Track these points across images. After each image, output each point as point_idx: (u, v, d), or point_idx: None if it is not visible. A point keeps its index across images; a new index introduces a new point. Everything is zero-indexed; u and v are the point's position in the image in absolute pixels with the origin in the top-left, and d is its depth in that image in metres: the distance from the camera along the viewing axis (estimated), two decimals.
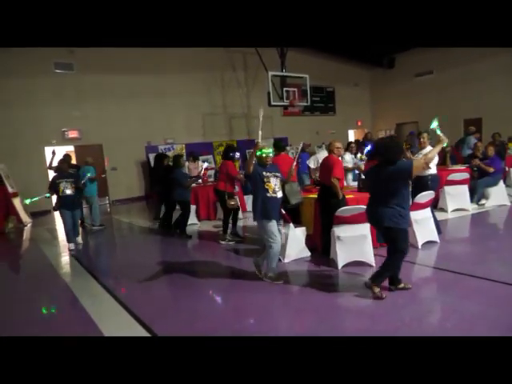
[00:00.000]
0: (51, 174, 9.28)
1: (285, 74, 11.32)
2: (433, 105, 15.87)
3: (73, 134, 11.03)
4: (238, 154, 7.06)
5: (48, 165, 7.78)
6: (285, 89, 11.16)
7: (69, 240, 6.18)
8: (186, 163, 8.76)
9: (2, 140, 9.76)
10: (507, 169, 8.40)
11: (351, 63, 17.14)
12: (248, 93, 14.55)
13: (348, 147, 7.02)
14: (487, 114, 14.30)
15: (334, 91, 17.26)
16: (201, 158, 12.61)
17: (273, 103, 10.95)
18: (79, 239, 6.55)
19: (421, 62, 16.13)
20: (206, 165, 7.87)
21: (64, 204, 5.97)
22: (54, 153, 7.50)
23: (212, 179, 9.73)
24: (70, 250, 6.07)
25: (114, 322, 3.44)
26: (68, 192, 5.91)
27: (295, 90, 11.49)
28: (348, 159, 6.47)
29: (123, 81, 11.57)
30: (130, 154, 11.91)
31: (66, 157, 7.18)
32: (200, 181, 8.41)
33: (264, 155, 4.01)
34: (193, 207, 7.48)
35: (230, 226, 6.08)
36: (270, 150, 4.13)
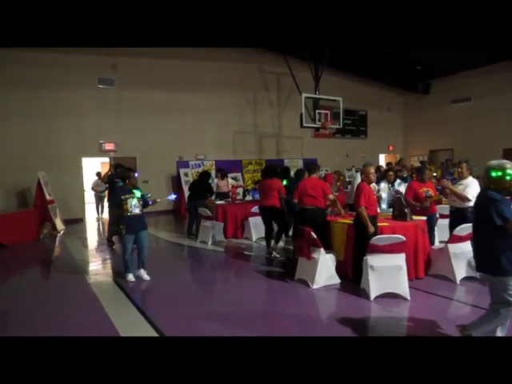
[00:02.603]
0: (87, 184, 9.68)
1: (318, 96, 11.36)
2: (469, 132, 15.41)
3: (109, 146, 11.43)
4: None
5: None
6: (317, 111, 11.17)
7: (127, 269, 5.03)
8: (215, 180, 8.84)
9: (43, 148, 10.24)
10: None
11: (385, 88, 17.03)
12: (279, 113, 14.67)
13: (386, 175, 6.56)
14: None
15: (366, 115, 17.13)
16: (229, 175, 12.80)
17: (305, 125, 10.96)
18: (144, 274, 5.06)
19: (458, 89, 15.79)
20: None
21: (130, 226, 4.85)
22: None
23: (240, 197, 9.77)
24: (129, 282, 4.98)
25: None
26: (137, 211, 4.86)
27: (327, 112, 11.49)
28: (383, 188, 5.99)
29: (159, 96, 11.96)
30: (161, 168, 12.18)
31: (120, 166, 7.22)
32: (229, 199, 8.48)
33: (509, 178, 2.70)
34: (220, 224, 7.51)
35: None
36: None
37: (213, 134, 13.14)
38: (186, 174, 12.24)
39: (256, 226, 7.57)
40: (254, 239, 7.48)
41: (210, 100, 12.99)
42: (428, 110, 17.07)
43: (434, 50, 12.68)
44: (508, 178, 2.69)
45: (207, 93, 12.93)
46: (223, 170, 9.53)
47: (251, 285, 4.93)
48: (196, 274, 5.86)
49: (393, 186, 5.92)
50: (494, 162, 2.79)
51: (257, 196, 8.76)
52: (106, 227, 7.84)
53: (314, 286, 4.51)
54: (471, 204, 4.76)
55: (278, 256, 6.17)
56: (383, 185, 5.97)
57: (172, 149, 12.24)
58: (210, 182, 8.37)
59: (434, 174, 10.81)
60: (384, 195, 5.86)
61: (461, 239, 4.63)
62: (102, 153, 11.47)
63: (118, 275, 5.26)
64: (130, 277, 5.03)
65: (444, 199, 5.97)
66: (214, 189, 8.88)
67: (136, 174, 7.49)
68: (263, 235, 7.52)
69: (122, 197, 4.83)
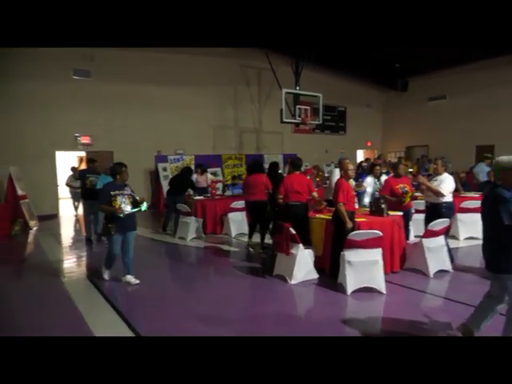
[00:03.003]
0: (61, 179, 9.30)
1: (299, 91, 11.37)
2: (445, 129, 15.82)
3: (85, 140, 11.11)
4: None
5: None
6: (297, 106, 11.20)
7: (107, 265, 4.79)
8: (194, 175, 8.74)
9: (15, 142, 9.85)
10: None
11: (364, 84, 17.23)
12: (260, 108, 14.63)
13: (372, 170, 6.48)
14: (500, 141, 14.18)
15: (345, 111, 17.31)
16: (209, 170, 12.68)
17: (285, 120, 10.97)
18: (131, 278, 4.65)
19: (434, 87, 16.16)
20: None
21: (120, 225, 4.47)
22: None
23: (220, 192, 9.71)
24: (105, 280, 4.80)
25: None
26: (128, 209, 4.47)
27: (308, 108, 11.53)
28: (370, 182, 6.03)
29: (138, 89, 11.70)
30: (139, 163, 11.91)
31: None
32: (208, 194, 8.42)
33: None
34: (199, 220, 7.44)
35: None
36: None
37: (192, 129, 12.97)
38: (164, 169, 12.05)
39: (235, 222, 7.54)
40: (233, 235, 7.44)
41: (190, 94, 12.81)
42: (406, 107, 17.41)
43: (412, 48, 12.93)
44: None
45: (187, 87, 12.74)
46: (202, 164, 9.43)
47: (229, 282, 4.90)
48: (174, 271, 5.79)
49: (379, 180, 5.98)
50: (504, 158, 2.64)
51: (237, 191, 8.74)
52: (83, 224, 7.58)
53: (292, 282, 4.53)
54: (445, 199, 4.90)
55: (261, 252, 6.19)
56: (369, 179, 6.04)
57: (150, 143, 12.01)
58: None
59: (411, 170, 11.06)
60: (370, 189, 5.93)
61: (435, 234, 4.75)
62: (77, 147, 11.13)
63: (94, 274, 5.12)
64: (105, 275, 4.83)
65: (420, 195, 6.11)
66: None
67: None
68: (243, 231, 7.54)
69: (112, 193, 4.44)
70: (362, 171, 7.69)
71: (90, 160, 7.46)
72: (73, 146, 11.05)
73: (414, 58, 14.19)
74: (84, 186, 7.09)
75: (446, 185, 4.86)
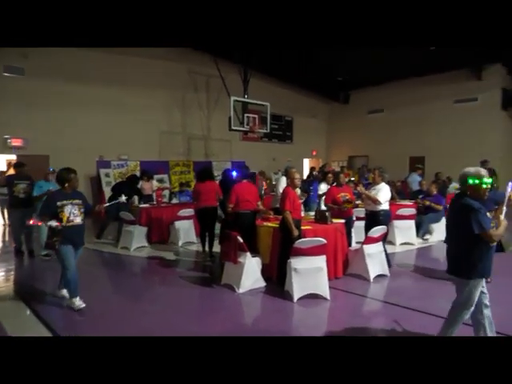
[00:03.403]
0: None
1: (247, 100, 11.50)
2: (382, 141, 16.94)
3: (16, 143, 10.23)
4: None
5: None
6: (246, 115, 11.30)
7: (74, 292, 4.07)
8: (140, 182, 8.42)
9: None
10: (447, 206, 9.02)
11: (310, 96, 17.92)
12: (209, 115, 14.57)
13: (325, 177, 7.06)
14: (430, 153, 15.49)
15: (292, 121, 17.83)
16: (155, 176, 12.29)
17: (233, 127, 11.02)
18: (77, 301, 4.06)
19: (373, 100, 17.28)
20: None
21: (70, 238, 3.96)
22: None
23: (166, 200, 9.45)
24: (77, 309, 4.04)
25: None
26: (78, 221, 4.02)
27: (256, 116, 11.70)
28: (323, 188, 6.56)
29: (78, 90, 11.07)
30: (78, 168, 11.03)
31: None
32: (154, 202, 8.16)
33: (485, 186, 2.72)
34: (144, 229, 7.16)
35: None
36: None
37: (138, 134, 12.53)
38: (107, 175, 11.49)
39: (183, 231, 7.37)
40: (180, 244, 7.26)
41: (135, 97, 12.38)
42: (348, 119, 18.39)
43: (353, 62, 13.72)
44: (484, 186, 2.68)
45: (132, 89, 12.31)
46: (147, 171, 9.09)
47: (176, 292, 4.76)
48: (117, 282, 5.48)
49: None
50: (471, 169, 2.76)
51: (184, 199, 8.55)
52: (11, 234, 6.92)
53: (240, 291, 4.51)
54: (382, 207, 5.21)
55: (209, 259, 6.21)
56: (323, 186, 6.34)
57: (92, 147, 11.38)
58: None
59: (352, 179, 11.64)
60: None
61: (374, 240, 5.02)
62: (7, 149, 10.21)
63: (24, 289, 4.67)
64: (78, 302, 4.02)
65: (360, 203, 6.45)
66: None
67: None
68: (190, 240, 7.40)
69: (58, 203, 3.91)
70: (314, 179, 8.11)
71: (16, 164, 6.65)
72: (1, 148, 10.12)
73: (355, 73, 15.10)
74: (11, 194, 6.32)
75: (383, 193, 5.18)
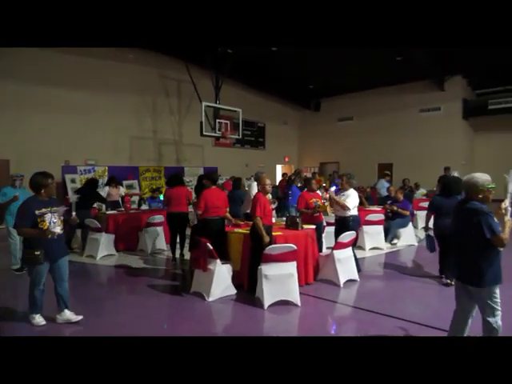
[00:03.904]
0: None
1: (218, 105, 11.46)
2: (352, 147, 17.35)
3: None
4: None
5: None
6: (217, 120, 11.25)
7: (34, 309, 3.75)
8: (106, 188, 8.16)
9: None
10: (415, 212, 9.32)
11: (282, 103, 18.13)
12: (180, 120, 14.40)
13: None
14: (398, 159, 16.01)
15: (264, 127, 17.95)
16: (125, 182, 11.99)
17: (205, 133, 10.93)
18: (69, 314, 3.83)
19: (343, 108, 17.70)
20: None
21: (49, 251, 3.62)
22: None
23: (135, 206, 9.20)
24: (36, 326, 3.72)
25: None
26: (58, 230, 3.60)
27: (228, 122, 11.67)
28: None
29: (43, 92, 10.65)
30: None
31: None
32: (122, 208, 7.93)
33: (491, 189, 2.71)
34: (111, 236, 6.91)
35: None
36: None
37: (107, 138, 12.18)
38: (73, 181, 11.07)
39: (152, 238, 7.18)
40: (149, 251, 7.06)
41: (104, 101, 12.06)
42: (319, 126, 18.73)
43: (324, 71, 14.02)
44: (491, 189, 2.67)
45: (102, 93, 11.98)
46: (115, 177, 8.79)
47: (143, 302, 4.59)
48: (81, 293, 5.22)
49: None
50: (476, 175, 2.74)
51: (154, 205, 8.35)
52: None
53: (210, 299, 4.42)
54: (351, 213, 5.28)
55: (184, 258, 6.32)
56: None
57: (57, 152, 10.94)
58: (100, 190, 7.75)
59: (324, 185, 11.82)
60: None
61: (344, 245, 5.07)
62: None
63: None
64: (39, 319, 3.74)
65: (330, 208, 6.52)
66: (106, 197, 8.17)
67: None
68: (160, 247, 7.21)
69: (37, 212, 3.53)
70: (291, 183, 8.17)
71: None
72: None
73: (325, 81, 15.43)
74: None
75: (351, 200, 5.26)
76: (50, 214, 3.61)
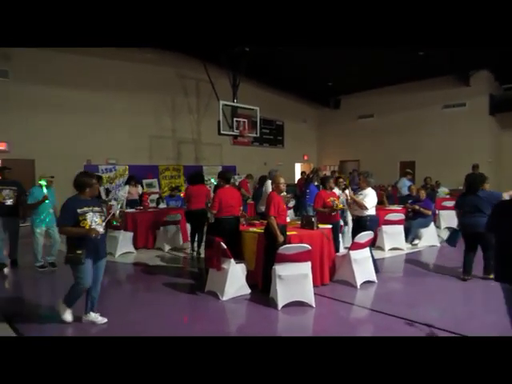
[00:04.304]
0: None
1: (236, 104, 11.43)
2: (373, 145, 16.99)
3: (0, 146, 10.03)
4: None
5: None
6: (235, 119, 11.23)
7: (70, 302, 3.76)
8: (127, 187, 8.30)
9: None
10: (437, 211, 9.03)
11: (300, 101, 17.94)
12: (199, 119, 14.48)
13: (336, 182, 6.93)
14: (420, 157, 15.57)
15: (283, 125, 17.81)
16: (145, 181, 12.20)
17: (222, 132, 10.94)
18: (94, 316, 3.82)
19: (363, 106, 17.33)
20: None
21: (91, 250, 3.61)
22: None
23: (154, 204, 9.32)
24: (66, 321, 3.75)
25: None
26: (100, 230, 3.60)
27: (245, 120, 11.63)
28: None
29: (65, 94, 10.93)
30: (65, 172, 10.96)
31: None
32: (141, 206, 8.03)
33: None
34: (129, 234, 7.02)
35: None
36: None
37: (127, 138, 12.39)
38: None
39: (169, 236, 7.25)
40: (166, 249, 7.13)
41: (124, 101, 12.26)
42: (338, 124, 18.43)
43: (343, 68, 13.77)
44: None
45: (121, 93, 12.19)
46: (134, 176, 8.94)
47: (157, 300, 4.63)
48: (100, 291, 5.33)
49: (343, 192, 6.15)
50: None
51: (172, 203, 8.43)
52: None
53: (224, 298, 4.40)
54: (368, 213, 5.15)
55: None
56: (336, 191, 6.32)
57: (79, 152, 11.21)
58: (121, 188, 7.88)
59: (344, 183, 11.63)
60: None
61: (361, 246, 4.95)
62: None
63: (12, 311, 4.39)
64: (68, 316, 3.74)
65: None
66: (126, 196, 8.33)
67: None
68: (176, 245, 7.28)
69: (78, 210, 3.54)
70: (310, 181, 8.10)
71: (1, 168, 6.07)
72: None
73: (345, 78, 15.15)
74: None
75: (369, 199, 5.13)
76: (91, 213, 3.60)
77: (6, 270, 5.87)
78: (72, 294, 3.72)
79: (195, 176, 6.97)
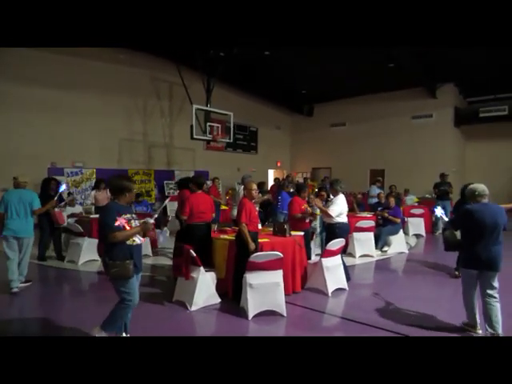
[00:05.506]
0: None
1: (210, 108, 11.30)
2: (344, 153, 17.30)
3: None
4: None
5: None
6: (209, 124, 11.10)
7: (110, 327, 3.33)
8: (92, 192, 7.94)
9: None
10: (406, 219, 9.23)
11: (274, 107, 18.04)
12: (171, 123, 14.21)
13: (317, 195, 6.79)
14: (389, 166, 15.98)
15: (257, 131, 17.82)
16: None
17: (195, 136, 10.77)
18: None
19: (336, 114, 17.66)
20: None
21: (137, 262, 3.20)
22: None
23: None
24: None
25: None
26: (138, 241, 3.19)
27: (219, 125, 11.51)
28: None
29: (30, 92, 10.40)
30: (29, 176, 10.47)
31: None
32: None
33: None
34: (94, 241, 6.68)
35: None
36: None
37: (95, 140, 11.94)
38: None
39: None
40: None
41: (93, 102, 11.82)
42: (312, 131, 18.66)
43: (317, 77, 13.98)
44: None
45: (91, 94, 11.74)
46: (102, 180, 8.55)
47: None
48: (58, 301, 5.01)
49: (326, 203, 6.00)
50: (479, 187, 3.52)
51: (139, 209, 8.15)
52: None
53: (193, 308, 4.24)
54: (338, 220, 5.14)
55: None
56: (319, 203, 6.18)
57: (43, 153, 10.66)
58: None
59: (316, 190, 11.71)
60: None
61: (332, 253, 4.93)
62: None
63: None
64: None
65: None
66: (92, 201, 7.96)
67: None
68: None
69: (124, 217, 3.08)
70: (282, 188, 7.99)
71: None
72: None
73: (319, 86, 15.38)
74: None
75: (335, 206, 5.13)
76: (133, 221, 3.13)
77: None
78: (117, 317, 3.18)
79: (195, 181, 5.50)
